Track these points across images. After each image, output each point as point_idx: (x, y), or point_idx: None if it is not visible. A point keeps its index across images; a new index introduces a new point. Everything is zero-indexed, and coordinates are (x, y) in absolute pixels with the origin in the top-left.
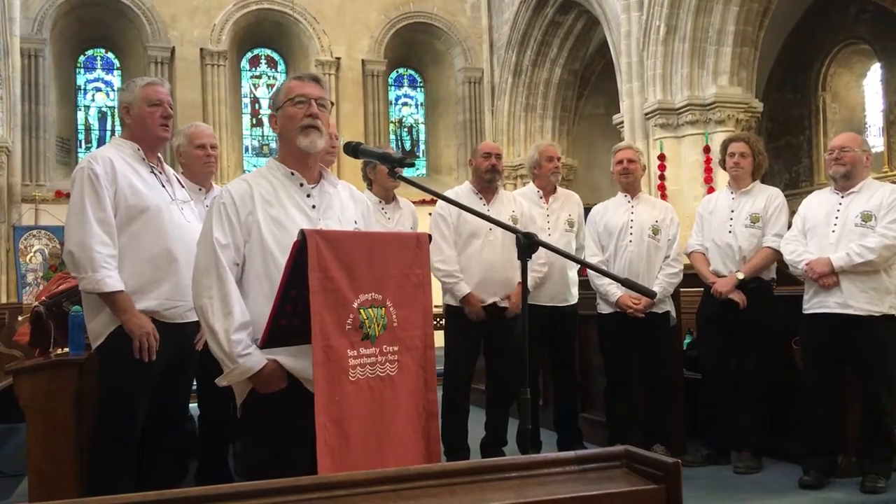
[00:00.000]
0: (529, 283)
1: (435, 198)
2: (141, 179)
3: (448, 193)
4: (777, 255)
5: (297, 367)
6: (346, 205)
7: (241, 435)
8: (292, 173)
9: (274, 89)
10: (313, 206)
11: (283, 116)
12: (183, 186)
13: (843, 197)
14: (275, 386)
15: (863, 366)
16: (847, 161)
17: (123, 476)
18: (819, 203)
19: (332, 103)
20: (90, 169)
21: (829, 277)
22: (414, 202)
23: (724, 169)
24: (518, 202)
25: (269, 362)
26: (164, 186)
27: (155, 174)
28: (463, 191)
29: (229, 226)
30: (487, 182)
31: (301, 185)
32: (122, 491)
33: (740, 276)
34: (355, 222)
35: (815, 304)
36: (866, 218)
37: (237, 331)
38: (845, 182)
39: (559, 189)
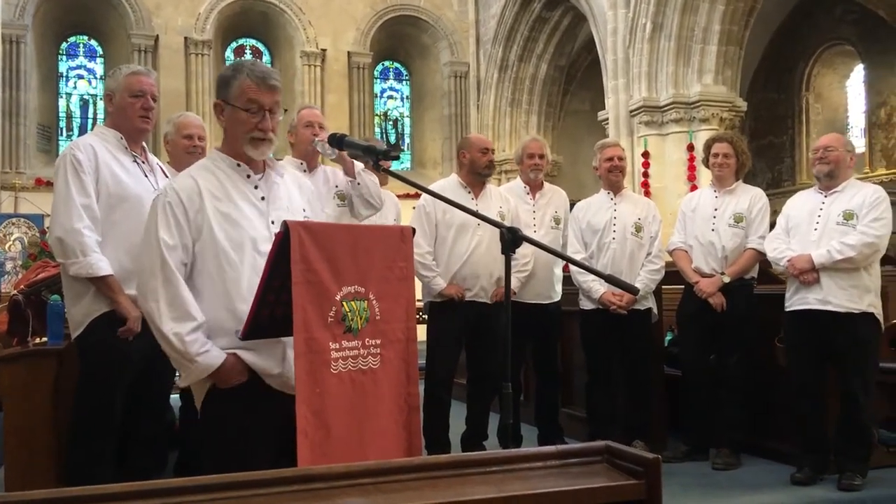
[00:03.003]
0: (514, 283)
1: (420, 191)
2: (123, 168)
3: (434, 186)
4: (760, 257)
5: (257, 361)
6: (292, 194)
7: (202, 434)
8: (238, 165)
9: (224, 73)
10: (262, 198)
11: (232, 117)
12: (167, 176)
13: (826, 196)
14: (235, 380)
15: (841, 363)
16: (831, 160)
17: (102, 466)
18: (803, 202)
19: (286, 110)
20: (72, 156)
21: (809, 274)
22: (398, 196)
23: (707, 167)
24: (506, 199)
25: (228, 356)
26: (146, 176)
27: (138, 164)
28: (450, 184)
29: (176, 225)
30: (483, 177)
31: (248, 176)
32: (101, 481)
33: (726, 279)
34: (304, 210)
35: (797, 300)
36: (848, 216)
37: (191, 332)
38: (829, 181)
39: (546, 185)
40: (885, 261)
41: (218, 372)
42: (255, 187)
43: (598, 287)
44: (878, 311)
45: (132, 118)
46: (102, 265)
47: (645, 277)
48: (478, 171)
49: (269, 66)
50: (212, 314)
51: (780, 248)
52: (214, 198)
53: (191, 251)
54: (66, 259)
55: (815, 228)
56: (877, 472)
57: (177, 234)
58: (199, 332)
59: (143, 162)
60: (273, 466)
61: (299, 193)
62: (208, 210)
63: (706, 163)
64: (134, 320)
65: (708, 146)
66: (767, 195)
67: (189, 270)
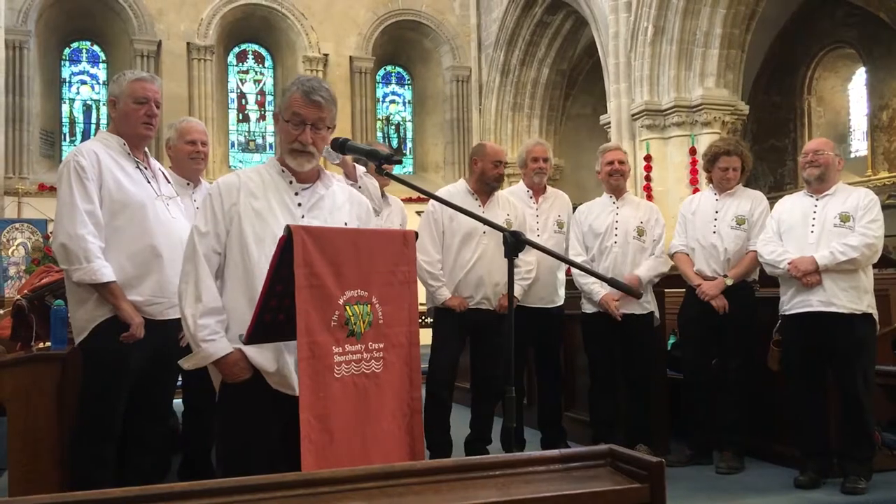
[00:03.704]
0: (517, 291)
1: (424, 196)
2: (126, 175)
3: (442, 192)
4: None
5: (259, 360)
6: (339, 206)
7: (216, 422)
8: (283, 171)
9: (284, 87)
10: (299, 204)
11: (281, 129)
12: (169, 182)
13: (817, 199)
14: (238, 375)
15: (842, 364)
16: (821, 163)
17: (104, 470)
18: (793, 206)
19: (331, 119)
20: (76, 162)
21: (813, 276)
22: (402, 200)
23: (709, 172)
24: (513, 205)
25: (233, 351)
26: (149, 182)
27: (140, 169)
28: (458, 190)
29: (212, 215)
30: (491, 188)
31: (290, 182)
32: (103, 485)
33: (729, 281)
34: (345, 223)
35: (798, 303)
36: (845, 218)
37: (203, 315)
38: (819, 185)
39: (549, 189)
40: (888, 263)
41: (220, 364)
42: (296, 193)
43: (599, 289)
44: (875, 312)
45: (135, 124)
46: (106, 271)
47: (648, 265)
48: (486, 182)
49: (321, 82)
50: (233, 303)
51: (777, 251)
52: (251, 195)
53: (223, 241)
54: (69, 265)
55: (811, 231)
56: (880, 475)
57: (211, 223)
58: (211, 317)
59: (146, 168)
60: (274, 465)
61: (349, 208)
62: (242, 205)
63: (707, 169)
64: (136, 327)
65: (713, 157)
66: (769, 198)
67: (222, 259)
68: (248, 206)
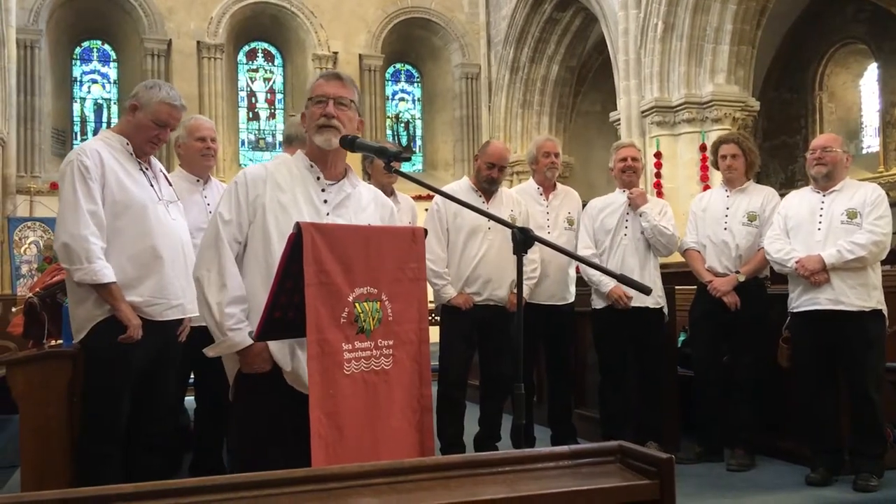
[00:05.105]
0: (524, 289)
1: (432, 193)
2: (129, 175)
3: (445, 189)
4: None
5: (279, 355)
6: (364, 206)
7: (231, 416)
8: (311, 166)
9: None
10: (325, 201)
11: (307, 115)
12: (170, 185)
13: (824, 196)
14: (258, 367)
15: (851, 361)
16: (829, 161)
17: (109, 468)
18: (800, 202)
19: (353, 101)
20: (80, 161)
21: (820, 274)
22: (412, 197)
23: (718, 169)
24: (518, 202)
25: (257, 342)
26: (151, 184)
27: (143, 171)
28: (462, 187)
29: (236, 204)
30: (483, 189)
31: (318, 178)
32: (108, 482)
33: (741, 278)
34: (369, 224)
35: (805, 301)
36: (852, 215)
37: (230, 304)
38: (826, 182)
39: (559, 186)
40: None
41: (244, 353)
42: (323, 190)
43: (608, 281)
44: (885, 308)
45: (143, 140)
46: (106, 272)
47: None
48: (479, 181)
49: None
50: (252, 294)
51: (784, 249)
52: (278, 187)
53: (245, 231)
54: (70, 265)
55: (818, 228)
56: (892, 472)
57: (234, 211)
58: (237, 306)
59: (147, 169)
60: (289, 460)
61: (374, 209)
62: (267, 197)
63: (716, 164)
64: (134, 328)
65: (715, 148)
66: (781, 195)
67: (242, 249)
68: (274, 199)
